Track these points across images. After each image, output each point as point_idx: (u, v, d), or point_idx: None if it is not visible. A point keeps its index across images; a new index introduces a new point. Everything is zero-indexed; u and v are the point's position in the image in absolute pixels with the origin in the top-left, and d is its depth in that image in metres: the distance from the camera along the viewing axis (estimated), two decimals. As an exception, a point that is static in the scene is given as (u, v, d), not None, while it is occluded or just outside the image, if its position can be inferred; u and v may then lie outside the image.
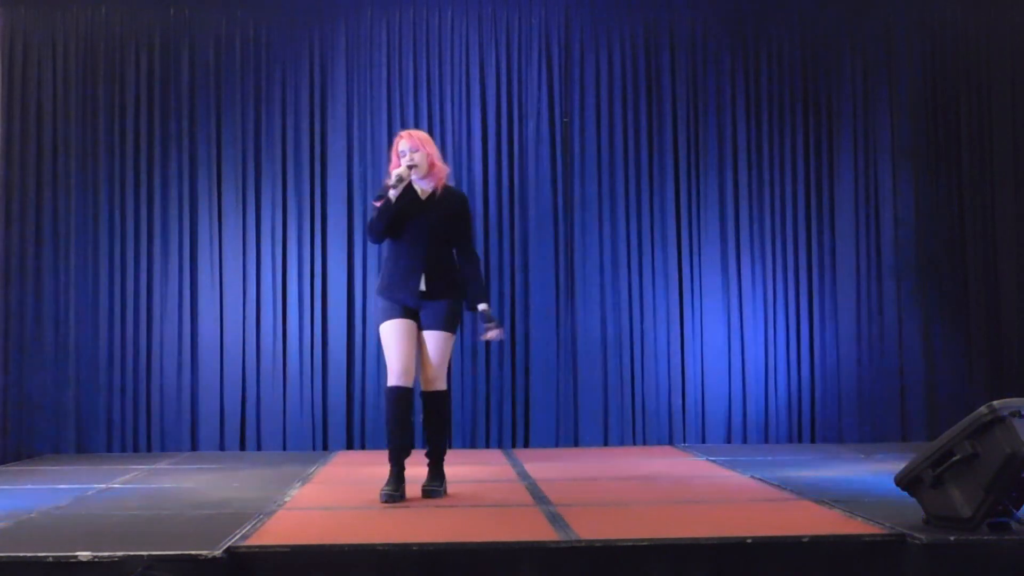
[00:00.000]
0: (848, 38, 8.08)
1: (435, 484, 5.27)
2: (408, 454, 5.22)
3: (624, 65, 7.99)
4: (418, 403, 5.32)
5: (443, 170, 5.32)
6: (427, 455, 5.34)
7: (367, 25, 7.93)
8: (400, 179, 5.16)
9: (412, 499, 5.17)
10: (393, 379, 5.20)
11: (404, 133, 5.33)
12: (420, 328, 5.23)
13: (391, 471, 5.17)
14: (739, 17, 8.07)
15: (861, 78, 8.07)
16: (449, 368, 5.55)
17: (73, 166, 7.71)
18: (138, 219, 7.74)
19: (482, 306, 5.32)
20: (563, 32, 7.99)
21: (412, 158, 5.19)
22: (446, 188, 5.32)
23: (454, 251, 5.32)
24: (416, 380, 5.26)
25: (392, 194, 5.17)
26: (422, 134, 5.36)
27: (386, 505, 5.01)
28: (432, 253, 5.19)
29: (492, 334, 5.34)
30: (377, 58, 7.92)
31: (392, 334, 5.22)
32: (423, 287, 5.16)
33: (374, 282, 7.73)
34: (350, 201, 7.81)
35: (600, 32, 7.99)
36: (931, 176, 8.04)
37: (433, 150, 5.29)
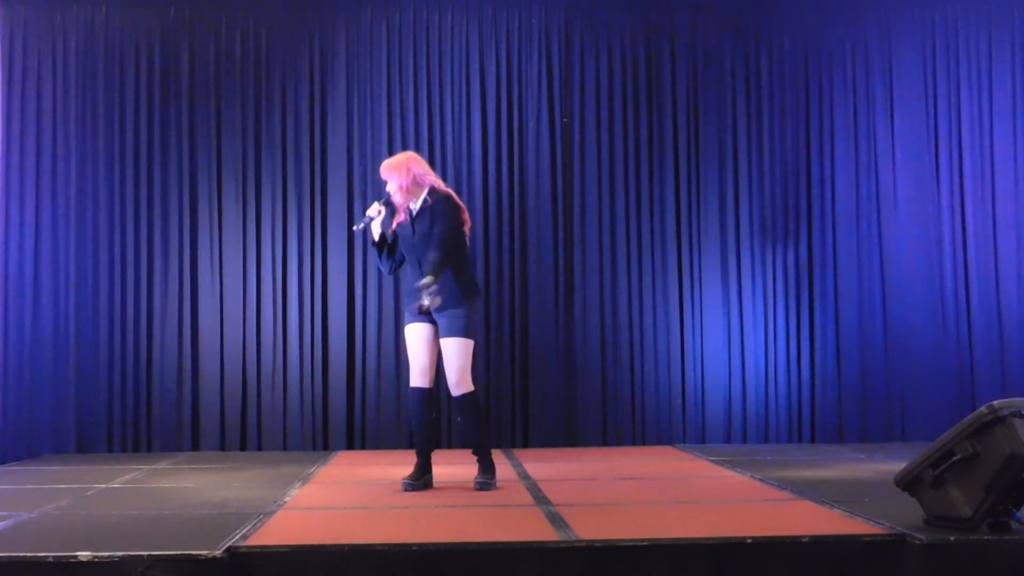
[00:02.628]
0: (848, 38, 8.08)
1: (486, 477, 5.44)
2: (430, 447, 5.54)
3: (624, 65, 7.99)
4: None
5: (414, 188, 5.42)
6: (473, 453, 5.55)
7: (367, 25, 7.93)
8: (369, 220, 5.45)
9: (412, 499, 5.17)
10: (412, 380, 5.51)
11: (381, 168, 5.49)
12: (440, 335, 5.44)
13: (416, 463, 5.48)
14: (739, 17, 8.06)
15: (862, 78, 8.06)
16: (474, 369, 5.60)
17: (73, 166, 7.71)
18: (138, 219, 7.74)
19: (427, 279, 5.19)
20: (563, 32, 7.99)
21: (386, 192, 5.45)
22: (429, 199, 5.41)
23: (454, 259, 5.39)
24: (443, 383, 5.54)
25: (373, 232, 5.47)
26: (394, 160, 5.49)
27: (387, 504, 5.03)
28: (427, 266, 5.33)
29: (425, 301, 5.19)
30: (377, 58, 7.91)
31: (411, 337, 5.50)
32: (425, 300, 5.32)
33: (374, 282, 7.77)
34: (350, 201, 7.81)
35: (600, 32, 7.99)
36: (931, 176, 8.03)
37: (403, 176, 5.37)
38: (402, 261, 5.58)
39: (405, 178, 5.39)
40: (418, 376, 5.46)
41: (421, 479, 5.43)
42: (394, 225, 5.52)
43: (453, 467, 6.29)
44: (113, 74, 7.79)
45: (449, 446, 7.58)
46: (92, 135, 7.76)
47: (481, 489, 5.37)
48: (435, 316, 5.40)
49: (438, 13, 7.96)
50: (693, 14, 8.03)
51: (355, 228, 5.65)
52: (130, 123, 7.77)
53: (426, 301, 5.19)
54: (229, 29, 7.87)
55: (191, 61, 7.82)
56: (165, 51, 7.81)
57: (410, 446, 7.49)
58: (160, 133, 7.78)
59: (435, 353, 5.50)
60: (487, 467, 5.49)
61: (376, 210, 5.44)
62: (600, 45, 7.99)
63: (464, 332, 5.37)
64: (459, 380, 5.37)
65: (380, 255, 5.55)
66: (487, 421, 5.80)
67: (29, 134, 7.73)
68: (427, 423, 5.50)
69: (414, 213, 5.42)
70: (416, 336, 5.46)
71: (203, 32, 7.84)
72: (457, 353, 5.37)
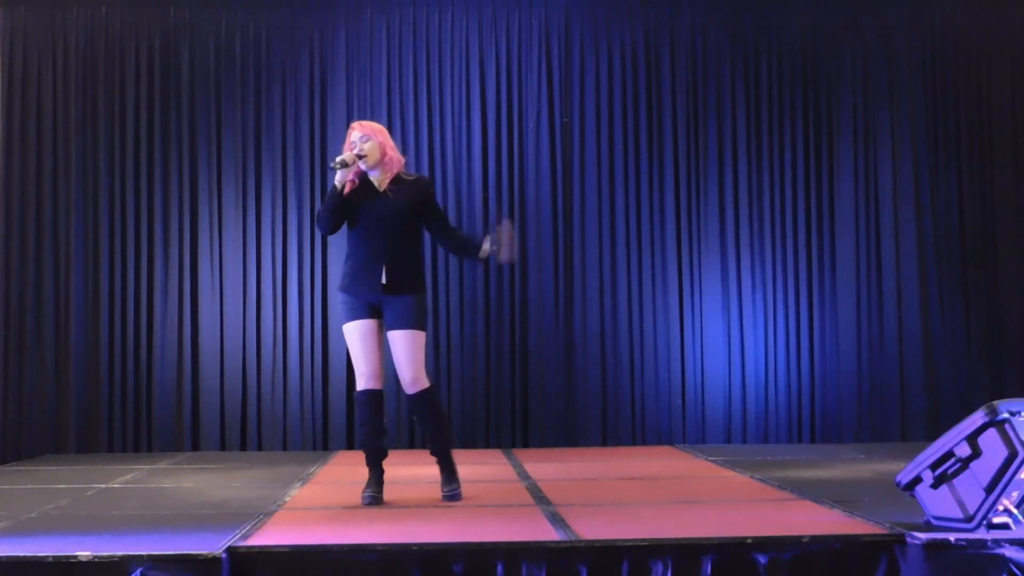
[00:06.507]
0: (848, 38, 8.09)
1: (452, 487, 5.11)
2: (384, 456, 5.11)
3: (624, 65, 7.99)
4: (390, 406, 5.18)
5: (397, 161, 5.13)
6: (433, 454, 5.19)
7: (367, 25, 7.93)
8: (344, 163, 4.97)
9: (412, 499, 5.16)
10: (361, 383, 5.06)
11: (356, 124, 5.17)
12: (386, 328, 5.06)
13: (371, 475, 5.08)
14: (739, 18, 8.06)
15: (861, 78, 8.06)
16: (435, 362, 5.43)
17: (73, 166, 7.71)
18: (138, 219, 7.74)
19: (485, 246, 5.14)
20: (563, 32, 7.99)
21: (362, 148, 5.01)
22: (402, 178, 5.11)
23: (416, 242, 5.14)
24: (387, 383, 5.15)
25: (338, 178, 5.00)
26: (375, 124, 5.21)
27: (388, 504, 5.01)
28: (392, 245, 5.00)
29: (503, 247, 5.13)
30: (377, 58, 7.92)
31: (356, 336, 5.05)
32: (384, 280, 4.97)
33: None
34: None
35: (600, 32, 7.99)
36: (931, 176, 8.04)
37: (386, 140, 5.11)
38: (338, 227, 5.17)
39: (388, 142, 5.11)
40: (370, 378, 5.02)
41: (382, 490, 5.06)
42: (347, 189, 5.06)
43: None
44: (113, 74, 7.79)
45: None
46: (92, 135, 7.76)
47: (451, 500, 5.04)
48: (386, 298, 4.98)
49: (438, 13, 7.96)
50: (693, 14, 8.03)
51: (333, 164, 4.98)
52: (130, 123, 7.77)
53: (505, 252, 5.08)
54: (229, 29, 7.87)
55: (191, 61, 7.82)
56: (165, 51, 7.81)
57: (410, 445, 7.53)
58: (160, 133, 7.78)
59: (383, 350, 5.09)
60: (453, 473, 5.13)
61: (351, 158, 4.97)
62: (600, 45, 7.99)
63: (420, 324, 5.04)
64: (416, 376, 5.00)
65: (336, 210, 5.03)
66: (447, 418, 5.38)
67: (29, 134, 7.74)
68: (382, 429, 5.10)
69: (380, 185, 5.06)
70: (364, 334, 5.02)
71: (203, 32, 7.85)
72: (415, 347, 4.99)
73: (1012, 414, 4.03)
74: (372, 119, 7.76)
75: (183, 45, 7.82)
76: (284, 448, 7.64)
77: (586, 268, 7.88)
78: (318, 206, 7.69)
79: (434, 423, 5.16)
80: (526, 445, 7.71)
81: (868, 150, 8.04)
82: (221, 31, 7.86)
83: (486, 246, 5.19)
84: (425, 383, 5.07)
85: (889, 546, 4.02)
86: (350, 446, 7.63)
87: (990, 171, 8.05)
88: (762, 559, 3.97)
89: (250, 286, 7.76)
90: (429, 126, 7.89)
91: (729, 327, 7.89)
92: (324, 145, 7.84)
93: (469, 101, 7.91)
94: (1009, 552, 3.93)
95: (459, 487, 5.13)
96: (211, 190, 7.79)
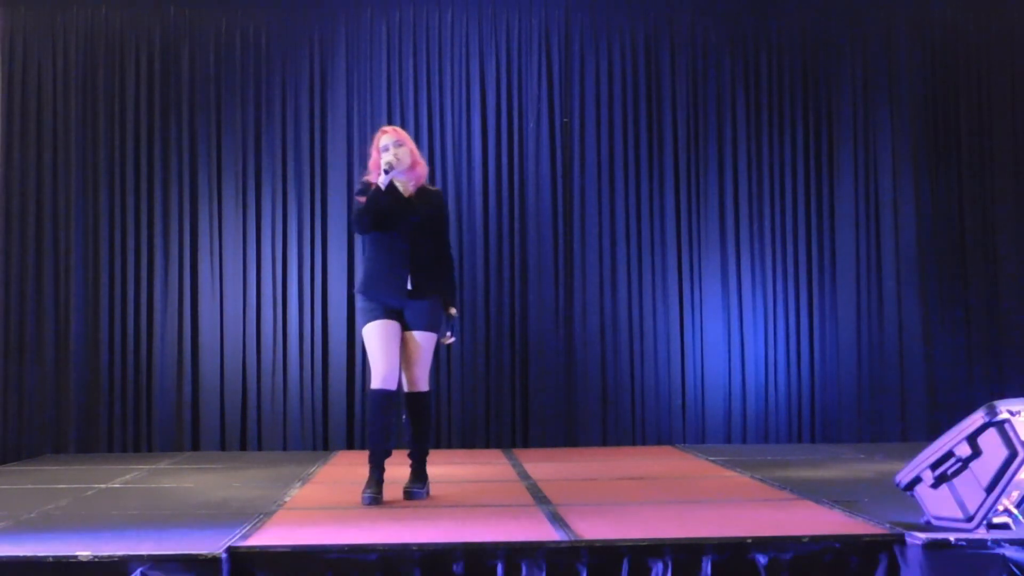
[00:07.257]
0: (848, 38, 8.09)
1: (418, 485, 5.20)
2: (388, 456, 5.16)
3: (624, 65, 7.99)
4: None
5: (424, 168, 5.30)
6: (410, 456, 5.27)
7: (367, 25, 7.93)
8: (391, 166, 5.09)
9: (412, 499, 5.16)
10: (377, 382, 5.10)
11: (389, 128, 5.27)
12: (404, 328, 5.15)
13: (372, 474, 5.11)
14: (739, 17, 8.07)
15: (861, 78, 8.07)
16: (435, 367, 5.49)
17: (73, 166, 7.71)
18: (138, 219, 7.74)
19: (452, 311, 5.30)
20: (563, 32, 7.99)
21: (396, 154, 5.12)
22: (425, 186, 5.28)
23: (436, 247, 5.26)
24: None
25: (383, 180, 5.08)
26: (404, 131, 5.33)
27: (387, 504, 5.01)
28: (417, 251, 5.13)
29: (450, 340, 5.36)
30: (377, 58, 7.92)
31: (377, 336, 5.11)
32: (410, 285, 5.10)
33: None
34: (350, 201, 7.81)
35: (600, 32, 8.00)
36: (931, 176, 8.04)
37: (415, 148, 5.26)
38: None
39: (415, 151, 5.25)
40: (387, 378, 5.06)
41: (382, 490, 5.11)
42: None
43: (452, 467, 6.30)
44: (113, 74, 7.79)
45: (449, 446, 7.59)
46: (92, 135, 7.76)
47: (411, 498, 5.11)
48: (409, 302, 5.10)
49: (438, 13, 7.96)
50: (693, 14, 8.03)
51: (387, 167, 5.08)
52: (130, 123, 7.77)
53: (451, 340, 5.30)
54: (229, 29, 7.87)
55: (191, 61, 7.82)
56: (165, 51, 7.81)
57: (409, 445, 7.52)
58: (160, 133, 7.78)
59: (400, 351, 5.17)
60: (422, 475, 5.24)
61: (396, 160, 5.11)
62: (600, 45, 7.99)
63: (438, 327, 5.19)
64: (424, 376, 5.19)
65: (381, 208, 5.09)
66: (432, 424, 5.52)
67: (29, 134, 7.74)
68: (392, 430, 5.18)
69: (405, 192, 5.17)
70: (385, 334, 5.09)
71: (203, 32, 7.85)
72: (429, 349, 5.17)
73: (1012, 414, 4.03)
74: (372, 119, 7.84)
75: (183, 45, 7.82)
76: (284, 448, 7.64)
77: (586, 268, 7.89)
78: (318, 206, 7.79)
79: (423, 424, 5.26)
80: (526, 445, 7.71)
81: (868, 150, 8.04)
82: (221, 31, 7.86)
83: (446, 339, 5.36)
84: (427, 385, 5.23)
85: (889, 546, 4.02)
86: (350, 446, 7.64)
87: (990, 171, 8.06)
88: (762, 559, 3.98)
89: (250, 286, 7.76)
90: (429, 126, 7.89)
91: (729, 327, 7.89)
92: (324, 145, 7.85)
93: (469, 101, 7.92)
94: (1009, 552, 3.94)
95: (424, 489, 5.21)
96: (211, 190, 7.79)
